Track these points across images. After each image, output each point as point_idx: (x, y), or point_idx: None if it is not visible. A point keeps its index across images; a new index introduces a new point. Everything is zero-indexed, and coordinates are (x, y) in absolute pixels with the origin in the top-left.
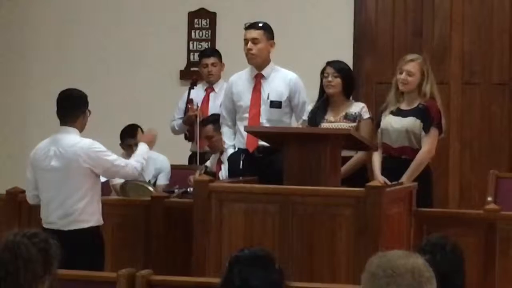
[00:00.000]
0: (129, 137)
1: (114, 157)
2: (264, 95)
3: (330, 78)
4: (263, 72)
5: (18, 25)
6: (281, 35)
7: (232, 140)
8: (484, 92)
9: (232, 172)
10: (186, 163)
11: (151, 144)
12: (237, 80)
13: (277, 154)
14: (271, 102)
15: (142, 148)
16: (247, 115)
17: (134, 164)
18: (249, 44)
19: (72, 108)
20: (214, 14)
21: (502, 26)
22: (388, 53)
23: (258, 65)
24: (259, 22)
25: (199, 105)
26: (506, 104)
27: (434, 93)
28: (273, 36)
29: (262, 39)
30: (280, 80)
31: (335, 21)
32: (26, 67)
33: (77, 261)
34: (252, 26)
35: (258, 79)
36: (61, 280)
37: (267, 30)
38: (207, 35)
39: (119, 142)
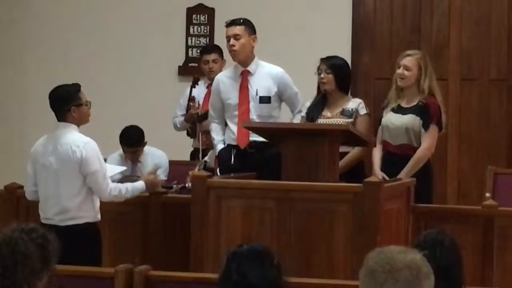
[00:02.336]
0: (126, 146)
1: (103, 168)
2: (252, 92)
3: (322, 75)
4: (249, 68)
5: (17, 22)
6: (279, 32)
7: (221, 135)
8: (483, 88)
9: (223, 168)
10: (188, 159)
11: (152, 188)
12: (223, 78)
13: (269, 150)
14: (261, 98)
15: (139, 185)
16: (236, 112)
17: (114, 190)
18: (231, 41)
19: (58, 105)
20: (213, 9)
21: (501, 22)
22: (386, 49)
23: (242, 61)
24: (240, 18)
25: (201, 102)
26: (504, 100)
27: (434, 89)
28: (255, 31)
29: (243, 34)
30: (267, 76)
31: (334, 17)
32: (24, 63)
33: (75, 256)
34: (233, 22)
35: (244, 76)
36: (59, 276)
37: (248, 25)
38: (205, 31)
39: (118, 140)
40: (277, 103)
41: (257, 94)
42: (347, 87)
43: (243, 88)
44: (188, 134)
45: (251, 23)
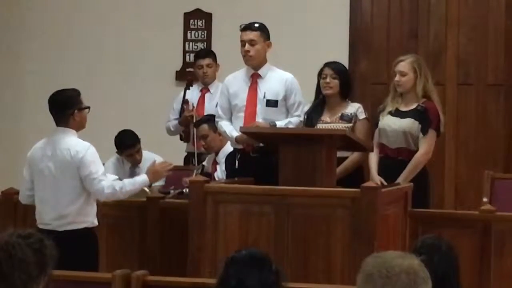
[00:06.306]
0: (128, 148)
1: (98, 171)
2: (260, 94)
3: (328, 80)
4: (260, 72)
5: (14, 26)
6: (277, 36)
7: (232, 127)
8: (480, 93)
9: (228, 172)
10: (182, 164)
11: (156, 178)
12: (233, 80)
13: (273, 154)
14: (267, 101)
15: (142, 180)
16: (242, 114)
17: (108, 188)
18: (246, 46)
19: (60, 110)
20: (210, 14)
21: (497, 27)
22: (383, 54)
23: (255, 65)
24: (255, 23)
25: (195, 105)
26: (501, 105)
27: (429, 90)
28: (269, 36)
29: (259, 40)
30: (276, 80)
31: (331, 22)
32: (22, 67)
33: (72, 262)
34: (248, 27)
35: (254, 79)
36: (56, 281)
37: (264, 30)
38: (203, 36)
39: (114, 144)
40: (284, 108)
41: (264, 97)
42: (349, 93)
43: (252, 90)
44: (181, 139)
45: (266, 28)
